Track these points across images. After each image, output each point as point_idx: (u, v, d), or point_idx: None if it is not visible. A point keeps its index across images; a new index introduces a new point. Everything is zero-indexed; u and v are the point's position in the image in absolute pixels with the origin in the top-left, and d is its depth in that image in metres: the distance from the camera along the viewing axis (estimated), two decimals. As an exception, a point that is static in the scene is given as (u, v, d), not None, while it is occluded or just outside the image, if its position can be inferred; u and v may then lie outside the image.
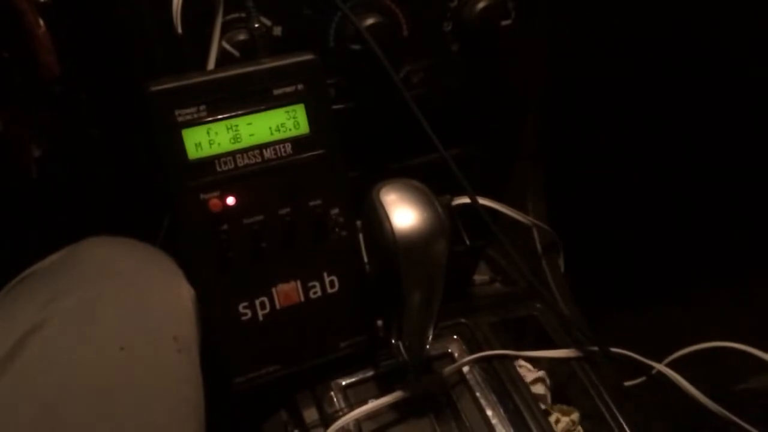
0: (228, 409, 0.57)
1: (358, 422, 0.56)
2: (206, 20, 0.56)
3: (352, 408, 0.57)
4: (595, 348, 0.64)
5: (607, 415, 0.60)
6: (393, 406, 0.57)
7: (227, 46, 0.56)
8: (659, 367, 0.66)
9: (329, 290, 0.58)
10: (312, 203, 0.56)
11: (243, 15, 0.57)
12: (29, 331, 0.44)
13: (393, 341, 0.57)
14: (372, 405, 0.56)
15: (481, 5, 0.64)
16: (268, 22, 0.59)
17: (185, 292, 0.52)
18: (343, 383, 0.59)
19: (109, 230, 0.55)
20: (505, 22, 0.66)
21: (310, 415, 0.57)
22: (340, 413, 0.57)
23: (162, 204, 0.59)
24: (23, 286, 0.50)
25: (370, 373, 0.60)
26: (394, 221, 0.50)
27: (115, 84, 0.65)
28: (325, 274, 0.57)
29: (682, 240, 1.01)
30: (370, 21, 0.60)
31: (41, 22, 0.52)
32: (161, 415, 0.46)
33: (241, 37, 0.57)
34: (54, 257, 0.52)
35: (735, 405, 0.63)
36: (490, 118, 0.76)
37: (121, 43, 0.60)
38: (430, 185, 0.53)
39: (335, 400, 0.58)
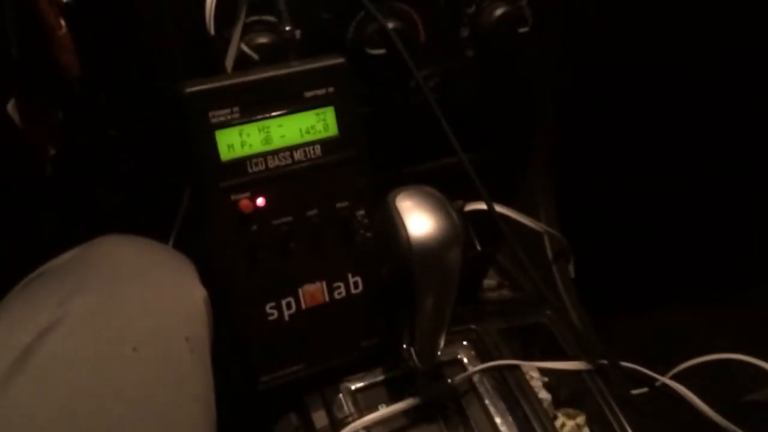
0: (239, 410, 0.57)
1: (368, 428, 0.56)
2: (225, 23, 0.56)
3: (361, 413, 0.57)
4: (604, 361, 0.64)
5: (612, 420, 0.60)
6: (402, 412, 0.57)
7: (246, 49, 0.56)
8: (663, 379, 0.66)
9: (353, 291, 0.58)
10: (339, 205, 0.56)
11: (262, 18, 0.57)
12: (43, 330, 0.44)
13: (404, 346, 0.57)
14: (382, 412, 0.56)
15: (498, 12, 0.64)
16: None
17: (198, 293, 0.52)
18: (353, 387, 0.59)
19: (122, 229, 0.55)
20: (522, 29, 0.66)
21: (320, 419, 0.58)
22: (350, 418, 0.57)
23: (174, 204, 0.59)
24: (36, 284, 0.50)
25: (380, 378, 0.60)
26: (409, 228, 0.50)
27: (134, 85, 0.65)
28: (350, 275, 0.58)
29: (692, 249, 1.01)
30: (388, 25, 0.60)
31: (62, 22, 0.52)
32: (173, 416, 0.46)
33: (261, 40, 0.57)
34: (67, 255, 0.52)
35: (741, 417, 0.63)
36: (502, 124, 0.76)
37: (141, 45, 0.60)
38: (440, 190, 0.53)
39: (345, 404, 0.58)
